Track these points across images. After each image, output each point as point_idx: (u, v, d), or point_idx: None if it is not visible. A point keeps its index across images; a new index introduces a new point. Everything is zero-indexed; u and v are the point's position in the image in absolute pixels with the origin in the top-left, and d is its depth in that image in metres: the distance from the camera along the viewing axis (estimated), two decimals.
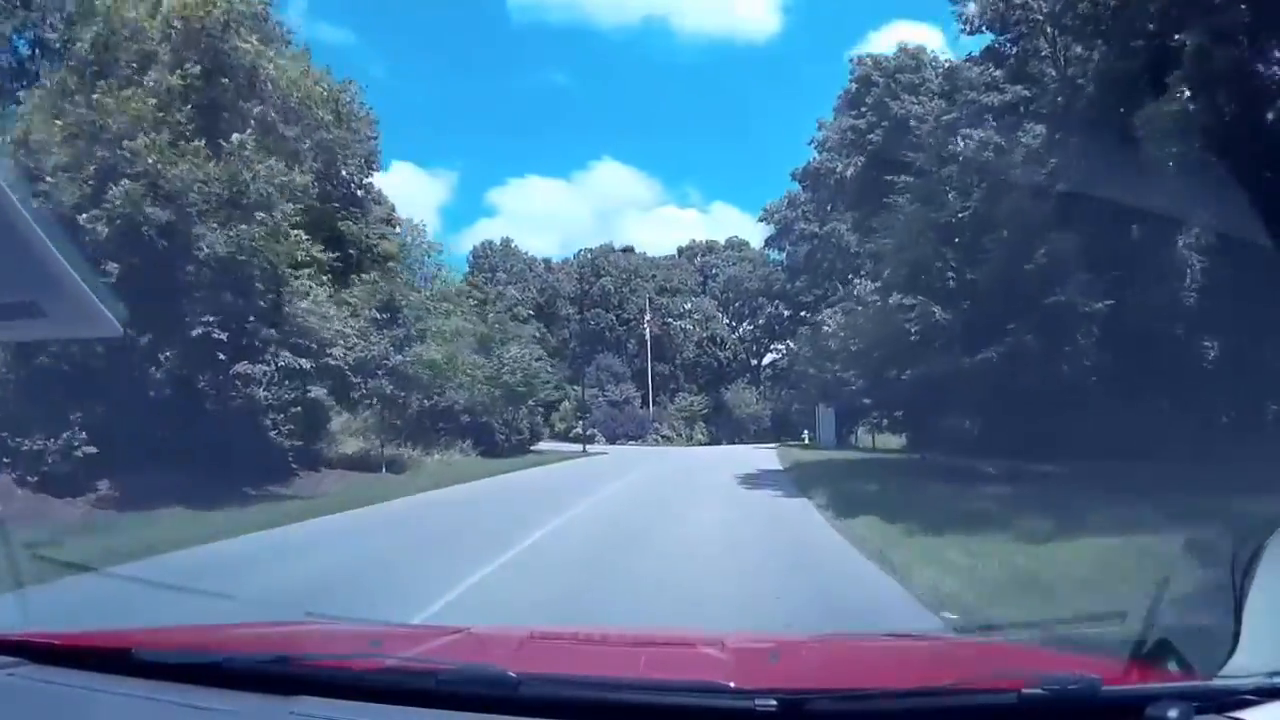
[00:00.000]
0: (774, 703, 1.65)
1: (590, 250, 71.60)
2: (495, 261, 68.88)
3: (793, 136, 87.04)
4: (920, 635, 3.63)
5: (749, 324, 74.20)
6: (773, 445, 48.32)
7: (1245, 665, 1.64)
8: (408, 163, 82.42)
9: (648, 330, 65.86)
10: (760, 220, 60.88)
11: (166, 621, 3.29)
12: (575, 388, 56.23)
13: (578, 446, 45.28)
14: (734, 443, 57.60)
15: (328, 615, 3.69)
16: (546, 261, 72.49)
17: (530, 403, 40.25)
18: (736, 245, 74.17)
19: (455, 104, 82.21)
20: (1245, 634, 1.71)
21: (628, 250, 70.04)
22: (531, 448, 40.00)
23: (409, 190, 75.04)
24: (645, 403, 62.22)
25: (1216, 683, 1.62)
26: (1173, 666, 1.79)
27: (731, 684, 1.84)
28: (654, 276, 70.47)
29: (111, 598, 6.21)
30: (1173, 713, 1.48)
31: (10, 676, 2.00)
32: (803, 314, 62.22)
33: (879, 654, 2.70)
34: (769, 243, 61.78)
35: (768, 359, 74.32)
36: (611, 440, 54.81)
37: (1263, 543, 1.93)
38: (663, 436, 58.51)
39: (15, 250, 1.63)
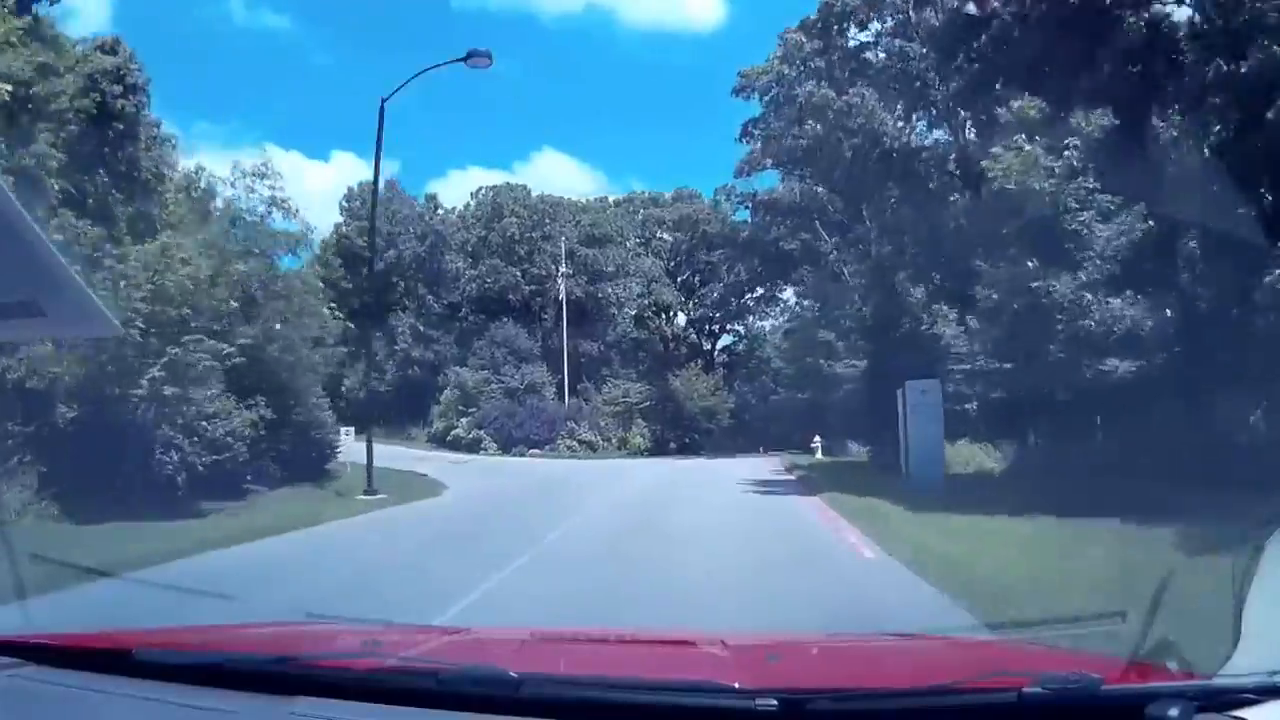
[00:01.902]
0: (774, 703, 1.65)
1: (492, 188, 53.29)
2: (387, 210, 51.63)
3: (738, 127, 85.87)
4: (920, 635, 3.63)
5: (701, 297, 58.80)
6: (773, 456, 39.15)
7: (1246, 664, 1.64)
8: (349, 153, 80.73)
9: (562, 288, 48.02)
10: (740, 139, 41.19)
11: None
12: (461, 370, 44.08)
13: (437, 458, 32.44)
14: (687, 450, 43.70)
15: (328, 615, 3.69)
16: (432, 201, 55.18)
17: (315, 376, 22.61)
18: (688, 197, 57.41)
19: (396, 94, 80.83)
20: (1246, 633, 1.71)
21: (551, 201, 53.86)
22: (329, 465, 21.97)
23: (349, 181, 72.45)
24: (561, 392, 46.01)
25: (1217, 682, 1.62)
26: (1173, 666, 1.79)
27: (732, 684, 1.84)
28: (578, 222, 52.51)
29: (118, 601, 6.20)
30: (1173, 711, 1.48)
31: (12, 677, 2.00)
32: (774, 285, 52.89)
33: (879, 654, 2.70)
34: (743, 172, 42.67)
35: (723, 342, 61.28)
36: (507, 447, 40.59)
37: (1263, 543, 1.94)
38: (580, 442, 42.15)
39: (15, 250, 1.63)
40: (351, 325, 47.72)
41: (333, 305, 28.35)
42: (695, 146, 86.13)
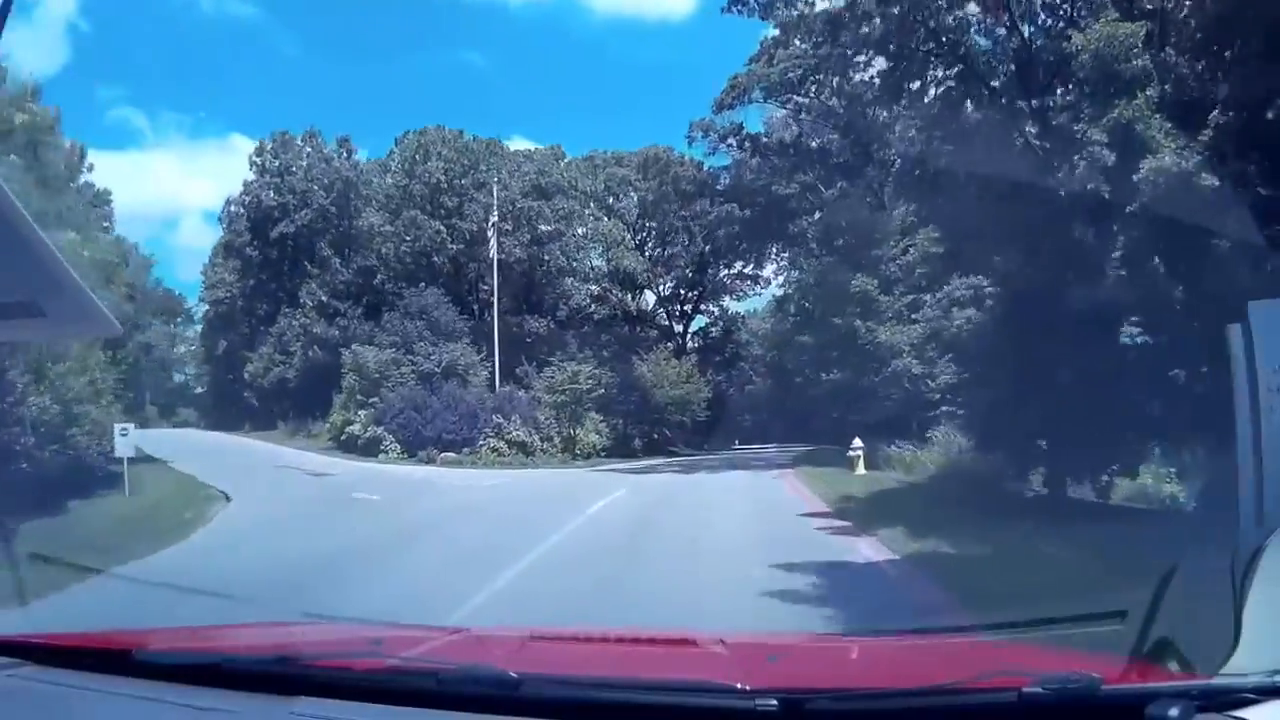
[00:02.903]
0: (774, 703, 1.65)
1: (419, 131, 42.33)
2: (289, 160, 43.79)
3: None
4: (920, 635, 3.63)
5: (670, 262, 50.52)
6: (775, 468, 28.10)
7: (1246, 664, 1.64)
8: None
9: (493, 242, 37.10)
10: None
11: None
12: (362, 349, 34.52)
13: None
14: (654, 449, 37.84)
15: (328, 615, 3.69)
16: (344, 146, 44.95)
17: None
18: (656, 159, 46.96)
19: (368, 84, 79.93)
20: (1246, 633, 1.71)
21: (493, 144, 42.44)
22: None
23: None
24: (493, 377, 36.20)
25: (1217, 681, 1.62)
26: (1173, 665, 1.79)
27: (732, 684, 1.84)
28: (523, 173, 41.65)
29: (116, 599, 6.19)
30: (1173, 711, 1.48)
31: (11, 677, 2.00)
32: (758, 251, 44.30)
33: (879, 654, 2.70)
34: (726, 104, 34.97)
35: (697, 325, 54.28)
36: (413, 449, 31.20)
37: (1263, 542, 1.94)
38: (510, 443, 32.17)
39: (15, 250, 1.63)
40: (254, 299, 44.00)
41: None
42: (665, 135, 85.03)
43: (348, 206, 42.71)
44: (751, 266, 50.20)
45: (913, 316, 23.45)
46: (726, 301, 54.85)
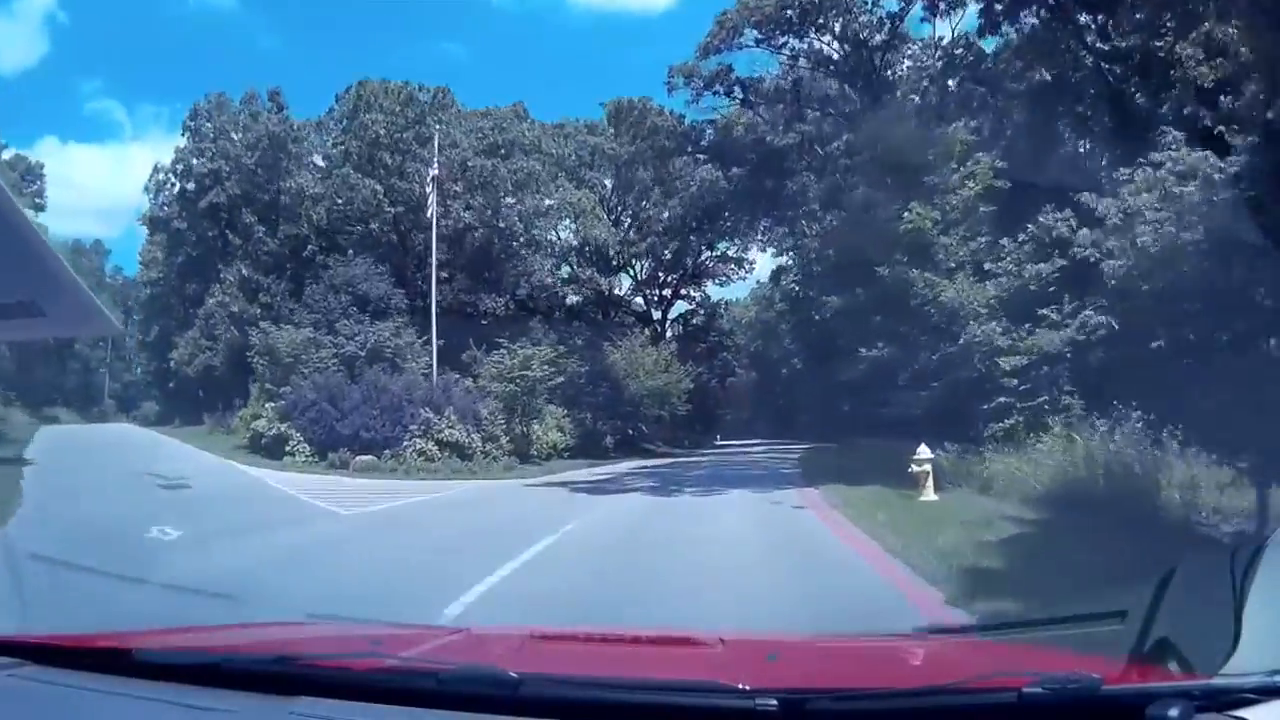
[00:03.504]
0: (774, 703, 1.65)
1: (360, 83, 36.17)
2: (224, 124, 39.07)
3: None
4: (920, 635, 3.63)
5: (645, 226, 44.34)
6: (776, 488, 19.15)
7: (1246, 664, 1.64)
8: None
9: (432, 200, 31.10)
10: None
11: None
12: (273, 329, 29.60)
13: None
14: (629, 448, 34.11)
15: (328, 615, 3.69)
16: (275, 100, 39.61)
17: None
18: (630, 110, 40.86)
19: (350, 77, 79.32)
20: (1246, 633, 1.71)
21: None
22: None
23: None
24: (432, 362, 30.06)
25: (1217, 681, 1.63)
26: (1173, 665, 1.79)
27: (731, 684, 1.84)
28: (479, 130, 35.75)
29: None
30: (1174, 711, 1.48)
31: (11, 677, 2.00)
32: (748, 219, 38.41)
33: (879, 654, 2.70)
34: (714, 47, 30.17)
35: (677, 311, 50.36)
36: (326, 450, 25.42)
37: (1263, 542, 1.94)
38: (444, 444, 26.04)
39: (15, 250, 1.63)
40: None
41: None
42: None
43: (278, 168, 36.75)
44: (737, 248, 46.69)
45: (987, 266, 17.02)
46: (709, 287, 51.24)
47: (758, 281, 59.40)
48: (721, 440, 53.96)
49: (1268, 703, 1.54)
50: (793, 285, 38.58)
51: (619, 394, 34.32)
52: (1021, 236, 16.58)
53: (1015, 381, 15.64)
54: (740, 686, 1.78)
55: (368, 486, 20.40)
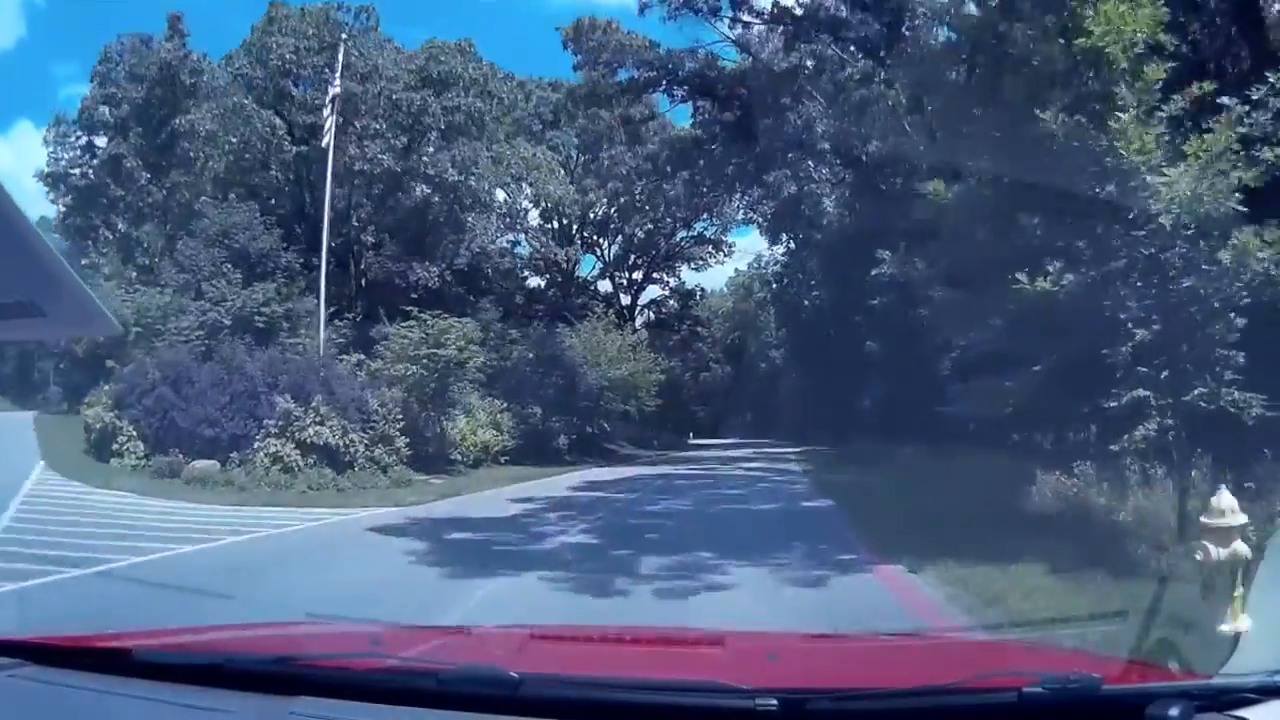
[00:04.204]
0: (774, 702, 1.65)
1: (273, 4, 30.20)
2: (138, 67, 32.98)
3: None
4: (920, 635, 3.64)
5: (614, 212, 39.02)
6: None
7: (1246, 664, 1.65)
8: None
9: (329, 129, 24.40)
10: None
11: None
12: (143, 291, 24.99)
13: None
14: (586, 452, 29.02)
15: (328, 615, 3.69)
16: (175, 28, 33.26)
17: None
18: (593, 30, 30.63)
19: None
20: (1247, 632, 1.71)
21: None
22: None
23: None
24: (319, 334, 23.61)
25: (1217, 681, 1.63)
26: (1173, 665, 1.79)
27: (731, 684, 1.84)
28: (410, 61, 30.08)
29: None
30: (1174, 711, 1.48)
31: (11, 677, 2.00)
32: (735, 183, 31.92)
33: (879, 653, 2.70)
34: None
35: (649, 297, 45.91)
36: (160, 450, 18.97)
37: (1263, 543, 1.94)
38: (306, 447, 18.64)
39: (15, 250, 1.63)
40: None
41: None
42: None
43: (176, 104, 30.10)
44: (715, 229, 41.50)
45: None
46: (684, 273, 47.18)
47: (736, 270, 56.96)
48: (695, 440, 49.19)
49: (1268, 703, 1.54)
50: (785, 261, 35.51)
51: (574, 385, 28.73)
52: None
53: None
54: (740, 686, 1.78)
55: (129, 518, 13.59)
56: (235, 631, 2.78)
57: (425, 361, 21.74)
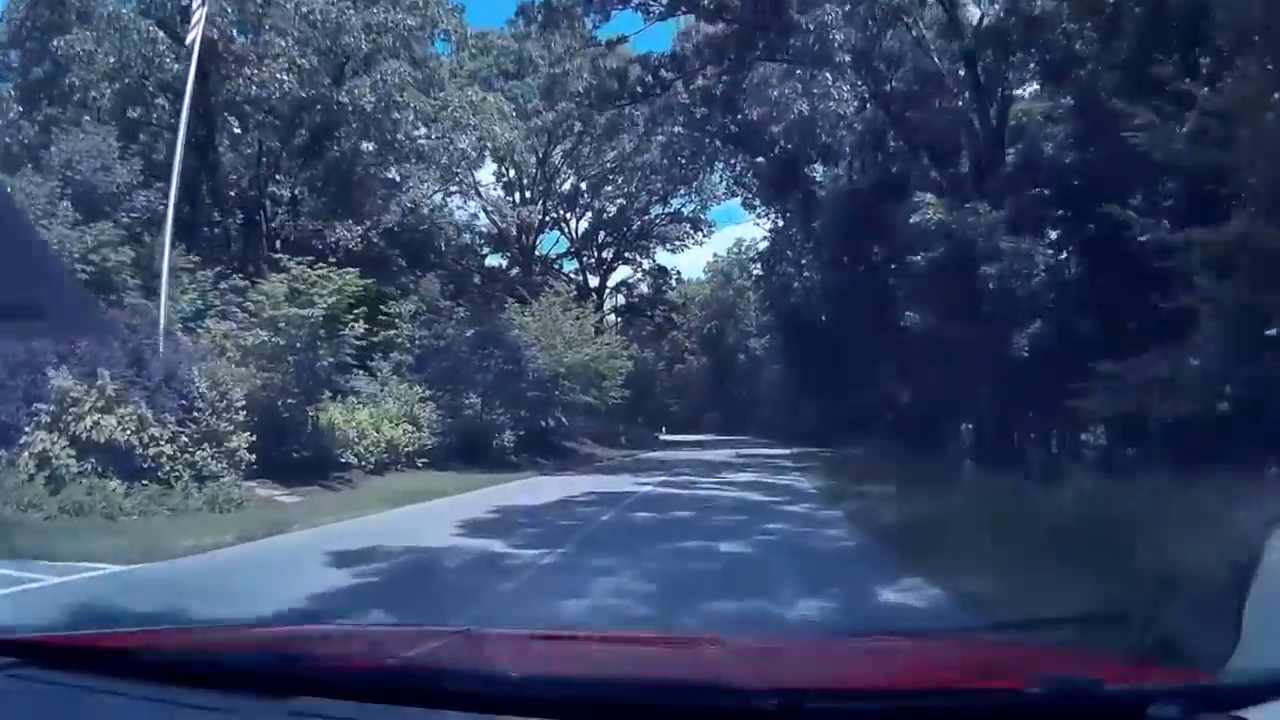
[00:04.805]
0: (774, 702, 1.65)
1: None
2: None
3: None
4: (921, 635, 3.64)
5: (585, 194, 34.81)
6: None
7: (1247, 664, 1.64)
8: None
9: (198, 18, 16.26)
10: None
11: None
12: None
13: None
14: (521, 460, 23.62)
15: (327, 615, 3.69)
16: None
17: None
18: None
19: None
20: (1247, 632, 1.71)
21: None
22: None
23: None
24: (161, 292, 15.10)
25: (1217, 681, 1.63)
26: (1174, 665, 1.79)
27: (731, 684, 1.84)
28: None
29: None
30: (1174, 711, 1.48)
31: (10, 677, 2.00)
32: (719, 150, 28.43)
33: (879, 653, 2.71)
34: None
35: (619, 281, 41.73)
36: None
37: (1264, 542, 1.94)
38: (84, 446, 12.18)
39: (15, 251, 1.63)
40: None
41: None
42: None
43: (65, 29, 24.27)
44: (695, 205, 37.42)
45: None
46: (660, 256, 42.58)
47: (714, 255, 54.34)
48: (668, 435, 45.55)
49: (1268, 703, 1.54)
50: (773, 236, 31.82)
51: (525, 371, 23.87)
52: None
53: None
54: (740, 686, 1.78)
55: None
56: (235, 631, 2.78)
57: (286, 326, 16.36)
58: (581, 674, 2.09)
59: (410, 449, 19.90)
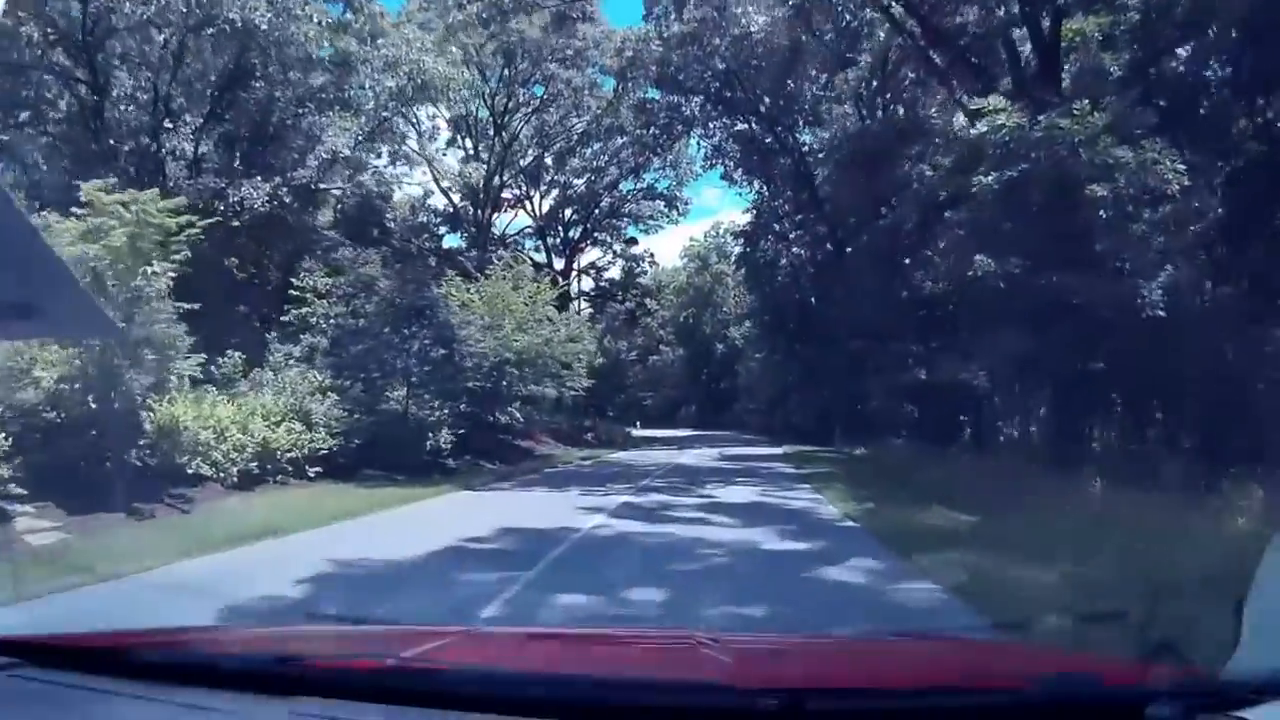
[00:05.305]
0: (774, 702, 1.65)
1: None
2: None
3: None
4: (921, 634, 3.64)
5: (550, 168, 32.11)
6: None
7: (1247, 664, 1.64)
8: None
9: None
10: None
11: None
12: None
13: None
14: (487, 447, 21.62)
15: (328, 615, 3.70)
16: None
17: None
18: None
19: None
20: (1247, 632, 1.71)
21: None
22: None
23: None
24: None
25: (1217, 681, 1.63)
26: (1174, 665, 1.79)
27: (731, 684, 1.84)
28: None
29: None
30: (1174, 711, 1.48)
31: (10, 677, 2.00)
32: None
33: (879, 653, 2.70)
34: None
35: (588, 261, 38.04)
36: None
37: (1265, 544, 1.94)
38: None
39: (15, 252, 1.64)
40: None
41: None
42: None
43: None
44: (670, 181, 34.30)
45: None
46: (625, 233, 38.66)
47: (690, 239, 51.73)
48: (642, 431, 40.42)
49: (1268, 703, 1.54)
50: (757, 208, 29.29)
51: (461, 355, 20.31)
52: None
53: None
54: (740, 686, 1.78)
55: None
56: (235, 631, 2.78)
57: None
58: (581, 674, 2.09)
59: (297, 454, 15.50)
